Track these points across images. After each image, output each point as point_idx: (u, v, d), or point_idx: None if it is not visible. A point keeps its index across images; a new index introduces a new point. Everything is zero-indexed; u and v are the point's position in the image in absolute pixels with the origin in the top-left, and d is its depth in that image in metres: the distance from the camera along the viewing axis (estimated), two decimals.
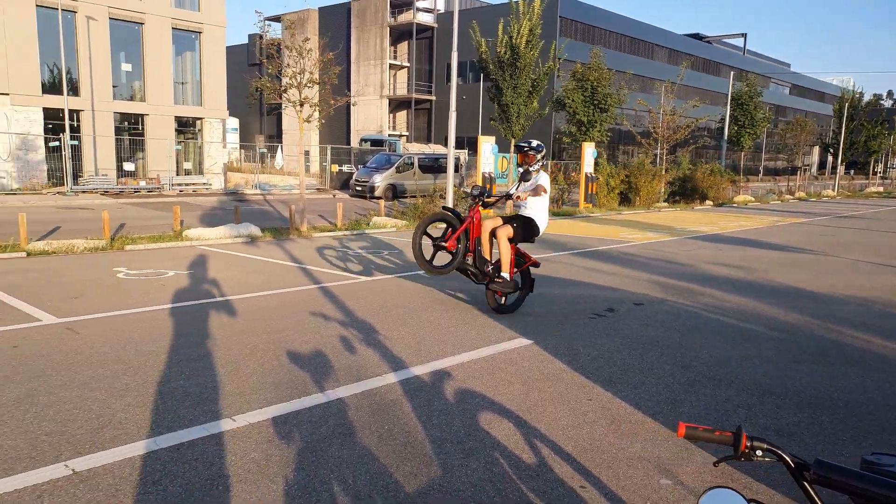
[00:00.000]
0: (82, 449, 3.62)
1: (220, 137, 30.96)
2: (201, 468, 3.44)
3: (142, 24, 27.99)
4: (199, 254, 10.89)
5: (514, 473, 3.51)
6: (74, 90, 26.23)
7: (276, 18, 52.16)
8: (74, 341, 5.67)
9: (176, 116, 29.67)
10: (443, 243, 6.62)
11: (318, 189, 29.10)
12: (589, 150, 22.02)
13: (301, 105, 14.00)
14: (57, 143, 24.99)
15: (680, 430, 1.64)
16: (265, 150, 33.07)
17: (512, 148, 19.76)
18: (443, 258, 6.91)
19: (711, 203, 26.83)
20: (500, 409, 4.37)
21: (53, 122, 25.68)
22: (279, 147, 33.21)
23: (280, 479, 3.36)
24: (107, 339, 5.74)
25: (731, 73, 39.54)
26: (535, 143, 6.89)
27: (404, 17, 51.37)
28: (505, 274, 6.67)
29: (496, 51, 18.00)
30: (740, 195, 30.02)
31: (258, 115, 57.88)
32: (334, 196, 26.47)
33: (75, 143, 25.69)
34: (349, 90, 44.27)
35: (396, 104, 53.35)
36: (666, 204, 25.07)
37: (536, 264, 7.10)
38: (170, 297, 7.55)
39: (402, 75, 53.25)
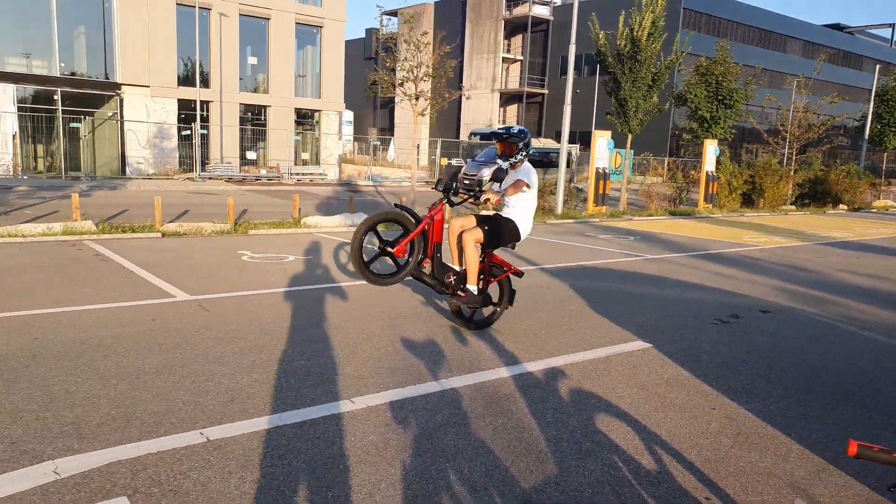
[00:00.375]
0: (214, 419, 3.83)
1: (337, 129, 32.07)
2: (323, 446, 3.55)
3: (268, 19, 29.43)
4: (316, 240, 11.32)
5: (634, 478, 3.39)
6: (205, 82, 27.99)
7: (393, 13, 53.34)
8: (205, 318, 6.03)
9: (296, 108, 31.02)
10: (389, 248, 5.45)
11: (426, 181, 29.53)
12: (711, 148, 21.00)
13: (416, 98, 14.24)
14: (188, 132, 26.81)
15: (851, 447, 1.51)
16: (378, 143, 34.00)
17: (627, 143, 19.19)
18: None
19: (846, 207, 24.88)
20: (617, 412, 4.23)
21: (186, 112, 27.55)
22: (391, 140, 34.08)
23: (398, 464, 3.41)
24: (234, 318, 6.06)
25: (877, 66, 36.42)
26: (515, 128, 5.80)
27: (519, 11, 51.06)
28: (471, 286, 5.61)
29: (615, 43, 17.50)
30: (880, 199, 27.69)
31: (372, 108, 59.47)
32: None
33: (204, 132, 27.48)
34: (461, 84, 44.58)
35: (507, 98, 53.18)
36: (793, 207, 23.51)
37: (519, 273, 6.06)
38: (290, 280, 7.88)
39: (515, 69, 52.98)
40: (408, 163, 36.78)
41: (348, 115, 32.87)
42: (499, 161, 5.73)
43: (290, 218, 13.91)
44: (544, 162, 26.22)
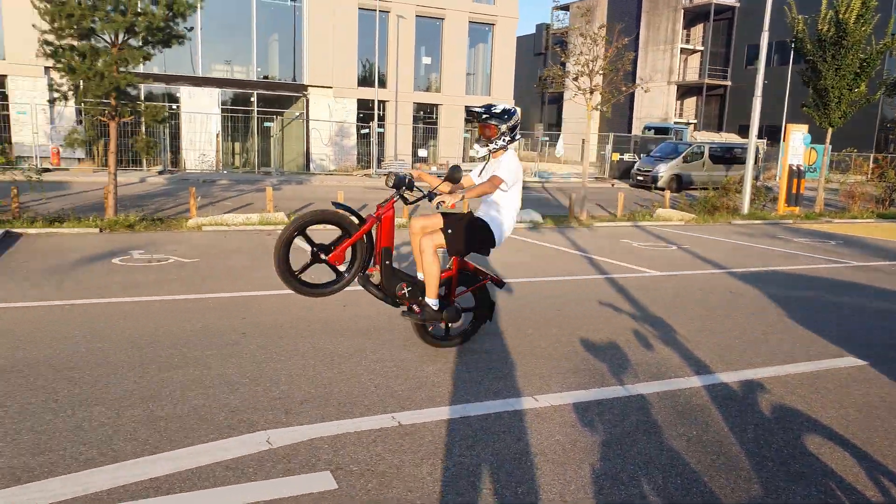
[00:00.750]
0: (404, 404, 3.95)
1: None
2: (510, 441, 3.53)
3: (442, 19, 30.24)
4: None
5: None
6: (382, 83, 29.36)
7: (566, 7, 52.66)
8: (388, 307, 6.25)
9: (466, 106, 31.63)
10: (322, 255, 4.55)
11: (595, 178, 28.83)
12: None
13: (591, 93, 13.90)
14: (366, 131, 28.32)
15: None
16: (546, 139, 33.77)
17: (826, 138, 17.38)
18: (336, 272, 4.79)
19: None
20: (830, 435, 3.80)
21: (364, 111, 29.11)
22: (560, 135, 33.72)
23: (586, 466, 3.30)
24: None
25: None
26: (499, 106, 4.72)
27: None
28: (430, 300, 4.67)
29: (816, 28, 15.87)
30: None
31: (539, 103, 59.18)
32: (613, 185, 25.97)
33: (381, 130, 28.87)
34: (635, 77, 42.99)
35: (684, 90, 50.44)
36: None
37: (499, 283, 5.08)
38: None
39: (693, 60, 50.11)
40: (575, 159, 36.21)
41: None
42: (476, 146, 4.81)
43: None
44: (726, 158, 24.60)
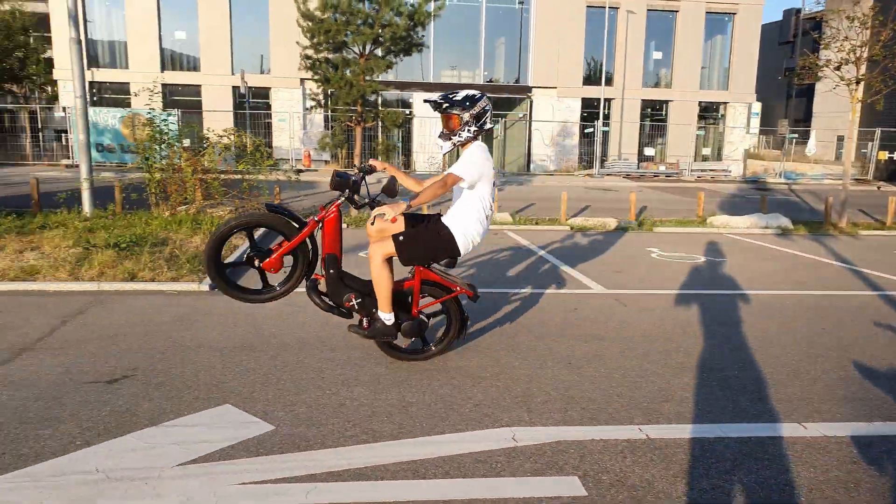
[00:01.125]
0: (650, 417, 3.73)
1: (744, 122, 29.80)
2: (775, 470, 3.16)
3: (676, 11, 28.72)
4: (727, 241, 10.57)
5: None
6: (608, 80, 28.65)
7: None
8: (623, 312, 6.04)
9: (699, 101, 29.73)
10: (257, 260, 4.20)
11: (856, 180, 25.41)
12: None
13: (857, 83, 12.25)
14: (591, 130, 27.86)
15: None
16: (795, 136, 30.49)
17: None
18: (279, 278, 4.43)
19: None
20: None
21: (588, 110, 28.65)
22: (811, 132, 30.23)
23: None
24: (652, 316, 5.94)
25: None
26: (460, 93, 4.04)
27: None
28: (383, 313, 4.17)
29: None
30: None
31: (783, 97, 53.72)
32: (878, 188, 22.70)
33: (606, 129, 28.21)
34: None
35: None
36: None
37: (472, 296, 4.33)
38: (703, 282, 7.46)
39: None
40: (827, 157, 32.26)
41: (755, 107, 30.20)
42: (439, 141, 4.13)
43: (693, 216, 13.37)
44: None
